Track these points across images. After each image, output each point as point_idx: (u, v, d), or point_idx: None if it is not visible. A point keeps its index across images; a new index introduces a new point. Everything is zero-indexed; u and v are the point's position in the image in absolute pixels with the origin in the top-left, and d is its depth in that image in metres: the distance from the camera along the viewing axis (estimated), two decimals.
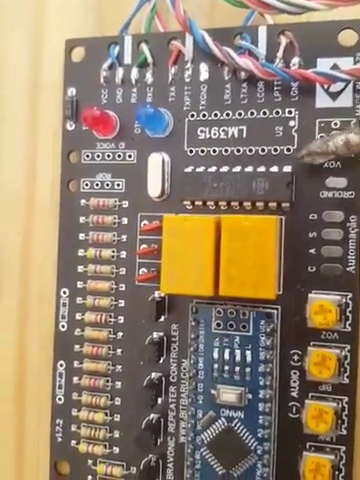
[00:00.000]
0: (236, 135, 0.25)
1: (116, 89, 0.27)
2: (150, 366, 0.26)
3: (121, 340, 0.26)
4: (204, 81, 0.25)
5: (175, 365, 0.25)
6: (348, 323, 0.23)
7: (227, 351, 0.24)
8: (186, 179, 0.25)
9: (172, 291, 0.24)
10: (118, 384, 0.26)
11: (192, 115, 0.25)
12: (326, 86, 0.24)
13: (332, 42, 0.23)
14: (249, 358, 0.24)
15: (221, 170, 0.24)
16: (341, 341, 0.23)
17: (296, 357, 0.24)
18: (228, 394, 0.24)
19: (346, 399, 0.23)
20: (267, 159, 0.24)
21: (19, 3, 0.29)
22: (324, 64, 0.24)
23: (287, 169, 0.24)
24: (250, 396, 0.24)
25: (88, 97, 0.27)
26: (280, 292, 0.24)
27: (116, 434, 0.26)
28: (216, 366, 0.24)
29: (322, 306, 0.23)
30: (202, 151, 0.25)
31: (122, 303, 0.26)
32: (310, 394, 0.24)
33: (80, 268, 0.27)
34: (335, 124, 0.23)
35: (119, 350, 0.26)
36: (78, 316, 0.27)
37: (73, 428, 0.27)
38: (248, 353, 0.24)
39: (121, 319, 0.26)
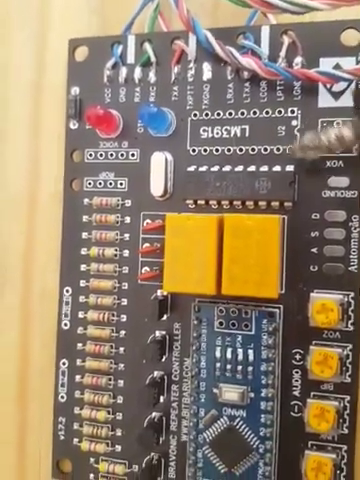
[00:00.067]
0: (239, 134, 0.25)
1: (119, 88, 0.27)
2: (152, 364, 0.26)
3: (123, 338, 0.26)
4: (207, 80, 0.25)
5: (177, 364, 0.26)
6: (350, 322, 0.23)
7: (229, 350, 0.24)
8: (189, 178, 0.25)
9: (175, 290, 0.24)
10: (120, 382, 0.26)
11: (195, 114, 0.26)
12: (329, 86, 0.24)
13: (335, 42, 0.23)
14: (251, 357, 0.24)
15: (224, 169, 0.25)
16: (343, 340, 0.23)
17: (298, 356, 0.24)
18: (230, 393, 0.24)
19: (348, 398, 0.23)
20: (270, 158, 0.24)
21: (23, 4, 0.29)
22: (327, 64, 0.24)
23: (289, 168, 0.24)
24: (252, 395, 0.24)
25: (91, 96, 0.27)
26: (282, 291, 0.24)
27: (118, 432, 0.26)
28: (218, 365, 0.24)
29: (324, 305, 0.23)
30: (205, 150, 0.25)
31: (125, 302, 0.26)
32: (312, 393, 0.24)
33: (83, 267, 0.27)
34: (337, 124, 0.23)
35: (121, 348, 0.26)
36: (81, 314, 0.27)
37: (75, 426, 0.27)
38: (250, 352, 0.24)
39: (124, 318, 0.26)
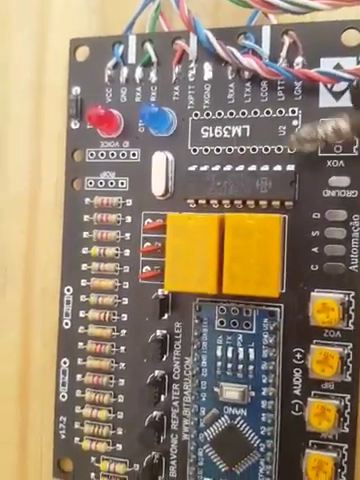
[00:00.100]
0: (240, 134, 0.25)
1: (120, 88, 0.27)
2: (153, 364, 0.26)
3: (124, 338, 0.26)
4: (208, 80, 0.25)
5: (178, 363, 0.26)
6: (351, 321, 0.23)
7: (230, 349, 0.24)
8: (190, 178, 0.25)
9: (175, 289, 0.24)
10: (121, 381, 0.26)
11: (196, 114, 0.26)
12: (329, 86, 0.24)
13: (335, 42, 0.24)
14: (252, 356, 0.24)
15: (225, 169, 0.25)
16: (344, 339, 0.23)
17: (299, 355, 0.24)
18: (231, 392, 0.24)
19: (348, 397, 0.23)
20: (270, 158, 0.24)
21: (23, 4, 0.29)
22: (327, 64, 0.24)
23: (290, 168, 0.24)
24: (253, 394, 0.24)
25: (92, 96, 0.27)
26: (283, 290, 0.24)
27: (119, 431, 0.26)
28: (219, 364, 0.24)
29: (325, 304, 0.23)
30: (206, 150, 0.25)
31: (126, 301, 0.26)
32: (313, 392, 0.24)
33: (84, 266, 0.27)
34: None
35: (122, 348, 0.26)
36: (82, 314, 0.27)
37: (76, 425, 0.27)
38: (251, 351, 0.24)
39: (125, 317, 0.26)
